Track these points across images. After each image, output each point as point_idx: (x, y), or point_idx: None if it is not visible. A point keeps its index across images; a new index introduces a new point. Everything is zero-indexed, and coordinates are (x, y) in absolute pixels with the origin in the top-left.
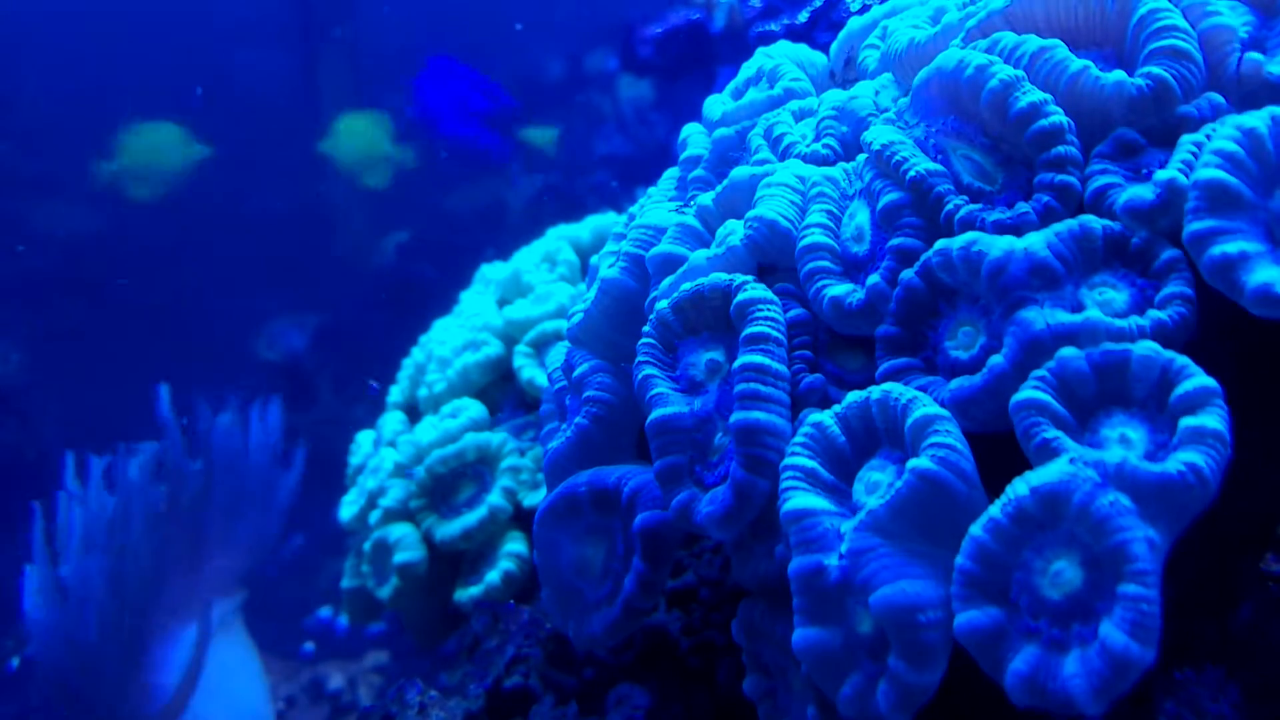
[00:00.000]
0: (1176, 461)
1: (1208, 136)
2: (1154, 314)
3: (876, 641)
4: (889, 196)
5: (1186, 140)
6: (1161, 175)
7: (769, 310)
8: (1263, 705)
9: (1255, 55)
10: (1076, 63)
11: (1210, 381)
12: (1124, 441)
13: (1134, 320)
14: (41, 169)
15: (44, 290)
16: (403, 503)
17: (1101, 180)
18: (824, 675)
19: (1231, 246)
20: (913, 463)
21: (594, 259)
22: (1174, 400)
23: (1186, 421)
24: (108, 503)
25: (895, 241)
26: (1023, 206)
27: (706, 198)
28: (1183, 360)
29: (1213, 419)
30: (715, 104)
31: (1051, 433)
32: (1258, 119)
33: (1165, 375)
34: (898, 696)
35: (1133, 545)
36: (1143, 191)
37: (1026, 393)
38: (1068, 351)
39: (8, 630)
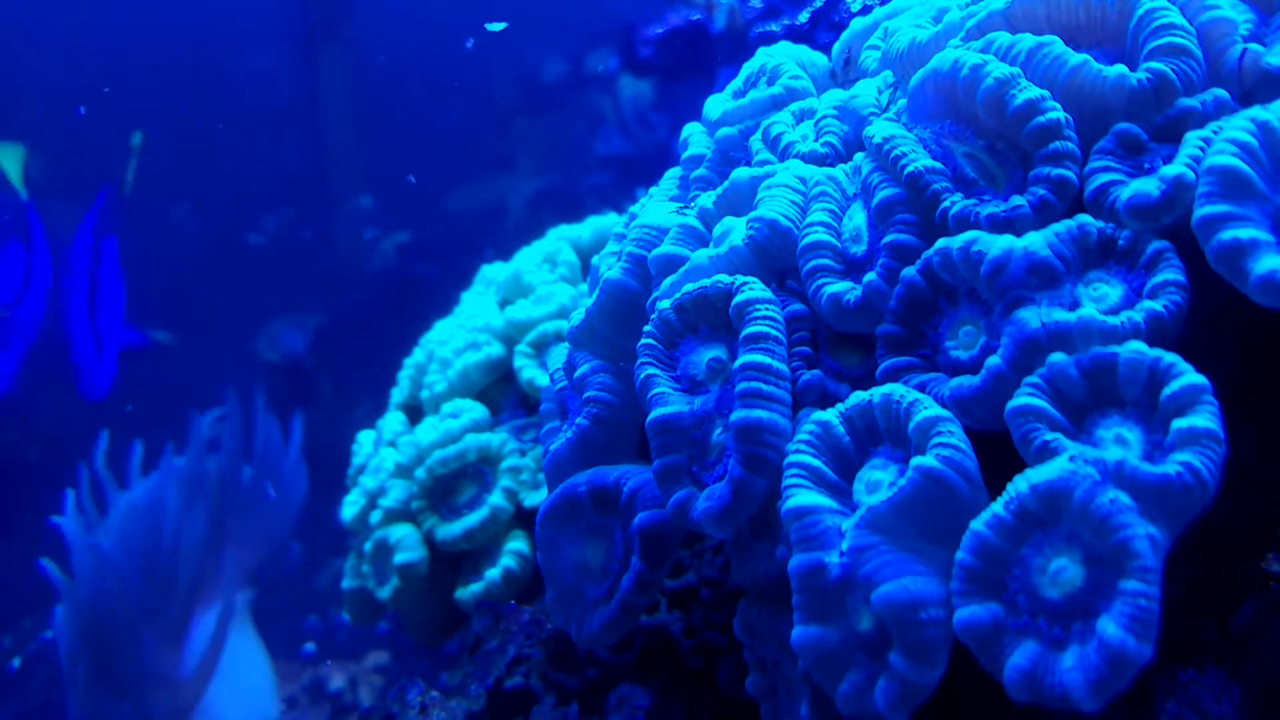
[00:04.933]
0: (1174, 463)
1: (1215, 132)
2: (1148, 305)
3: (876, 639)
4: (885, 192)
5: (1193, 137)
6: (1168, 171)
7: (768, 310)
8: (1265, 707)
9: (1254, 47)
10: (1076, 57)
11: (1199, 379)
12: (1120, 442)
13: (1128, 315)
14: (43, 170)
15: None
16: (403, 503)
17: (1103, 178)
18: (823, 672)
19: (1243, 232)
20: (917, 460)
21: (595, 259)
22: (1164, 400)
23: (1178, 423)
24: (147, 484)
25: (890, 238)
26: (1017, 199)
27: (708, 199)
28: (1170, 358)
29: (1204, 418)
30: (716, 104)
31: (1049, 435)
32: (1270, 113)
33: (1153, 375)
34: (897, 694)
35: (1135, 542)
36: (1147, 187)
37: (1021, 399)
38: (1056, 357)
39: (8, 631)
